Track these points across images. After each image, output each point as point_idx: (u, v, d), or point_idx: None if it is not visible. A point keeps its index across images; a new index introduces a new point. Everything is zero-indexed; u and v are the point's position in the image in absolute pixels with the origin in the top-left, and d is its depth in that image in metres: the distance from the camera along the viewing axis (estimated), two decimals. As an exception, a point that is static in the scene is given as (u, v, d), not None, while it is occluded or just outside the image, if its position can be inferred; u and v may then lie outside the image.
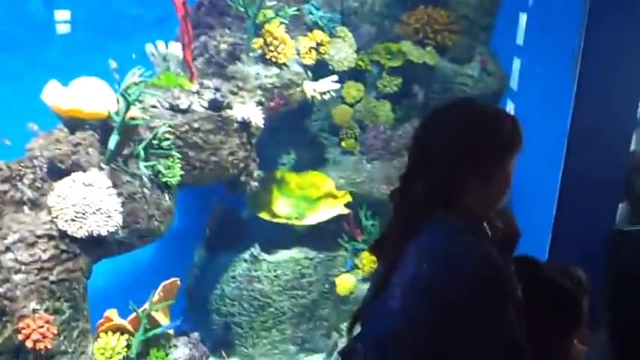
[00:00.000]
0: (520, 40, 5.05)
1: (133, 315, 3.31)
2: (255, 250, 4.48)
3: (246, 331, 4.50)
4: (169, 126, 3.51)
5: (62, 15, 4.36)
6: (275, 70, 4.16)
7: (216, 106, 3.75)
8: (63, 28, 4.37)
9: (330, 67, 4.52)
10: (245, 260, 4.49)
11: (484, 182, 1.52)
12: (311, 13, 4.46)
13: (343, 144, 4.82)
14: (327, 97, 4.20)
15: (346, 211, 4.49)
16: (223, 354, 4.38)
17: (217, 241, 4.63)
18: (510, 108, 5.09)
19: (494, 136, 1.54)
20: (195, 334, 3.96)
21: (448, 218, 1.51)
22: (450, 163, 1.52)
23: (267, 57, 4.15)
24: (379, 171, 4.72)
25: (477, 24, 4.90)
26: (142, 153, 3.34)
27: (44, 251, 2.92)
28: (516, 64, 5.09)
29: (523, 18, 5.00)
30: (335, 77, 4.29)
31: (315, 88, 4.14)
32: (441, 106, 1.61)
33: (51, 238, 2.95)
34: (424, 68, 4.75)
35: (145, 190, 3.36)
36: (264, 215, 4.45)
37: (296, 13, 4.17)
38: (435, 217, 1.51)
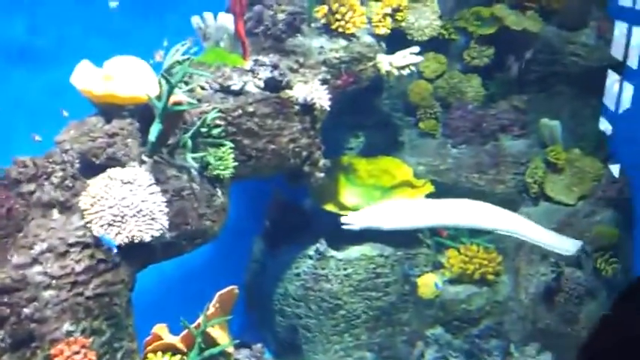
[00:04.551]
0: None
1: (186, 331, 2.87)
2: (322, 245, 4.00)
3: (315, 335, 4.06)
4: (220, 111, 3.07)
5: None
6: (342, 42, 3.69)
7: (273, 85, 3.32)
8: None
9: (409, 36, 4.04)
10: (310, 257, 4.04)
11: None
12: (385, -28, 3.95)
13: (422, 125, 4.31)
14: (405, 72, 3.69)
15: (428, 203, 3.96)
16: None
17: (278, 235, 4.23)
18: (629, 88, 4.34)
19: None
20: (259, 346, 3.56)
21: None
22: None
23: (333, 27, 3.67)
24: (468, 157, 4.21)
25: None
26: (189, 143, 2.89)
27: (78, 262, 2.51)
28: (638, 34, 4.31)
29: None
30: (416, 48, 3.76)
31: (392, 62, 3.64)
32: None
33: (85, 246, 2.55)
34: (524, 36, 4.12)
35: (194, 186, 2.94)
36: (329, 207, 3.99)
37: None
38: None
